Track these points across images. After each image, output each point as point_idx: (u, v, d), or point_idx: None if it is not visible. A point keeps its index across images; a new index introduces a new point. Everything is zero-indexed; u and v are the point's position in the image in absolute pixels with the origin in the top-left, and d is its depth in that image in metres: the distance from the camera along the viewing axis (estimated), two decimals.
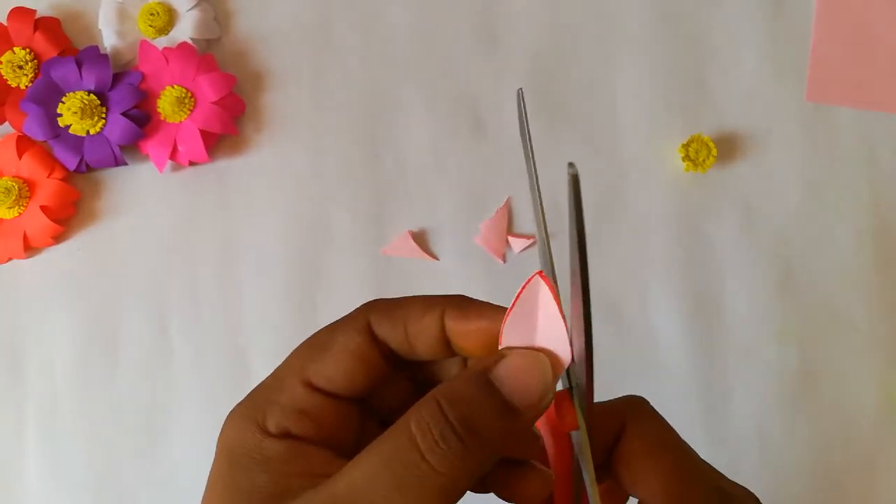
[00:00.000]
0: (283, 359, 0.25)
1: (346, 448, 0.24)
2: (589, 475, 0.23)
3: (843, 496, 0.44)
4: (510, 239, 0.47)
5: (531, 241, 0.47)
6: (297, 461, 0.23)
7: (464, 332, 0.24)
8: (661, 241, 0.47)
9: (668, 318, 0.46)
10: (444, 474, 0.20)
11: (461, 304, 0.24)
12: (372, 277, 0.47)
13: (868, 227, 0.47)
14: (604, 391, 0.46)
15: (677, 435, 0.26)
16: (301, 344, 0.25)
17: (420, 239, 0.47)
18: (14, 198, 0.47)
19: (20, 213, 0.48)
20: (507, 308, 0.23)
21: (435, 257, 0.47)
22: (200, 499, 0.24)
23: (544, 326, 0.22)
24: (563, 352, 0.22)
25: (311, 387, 0.24)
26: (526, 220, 0.47)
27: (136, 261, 0.49)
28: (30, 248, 0.49)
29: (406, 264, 0.47)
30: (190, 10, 0.49)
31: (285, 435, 0.23)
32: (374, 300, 0.25)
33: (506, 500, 0.25)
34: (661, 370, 0.46)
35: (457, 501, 0.21)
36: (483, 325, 0.24)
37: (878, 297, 0.46)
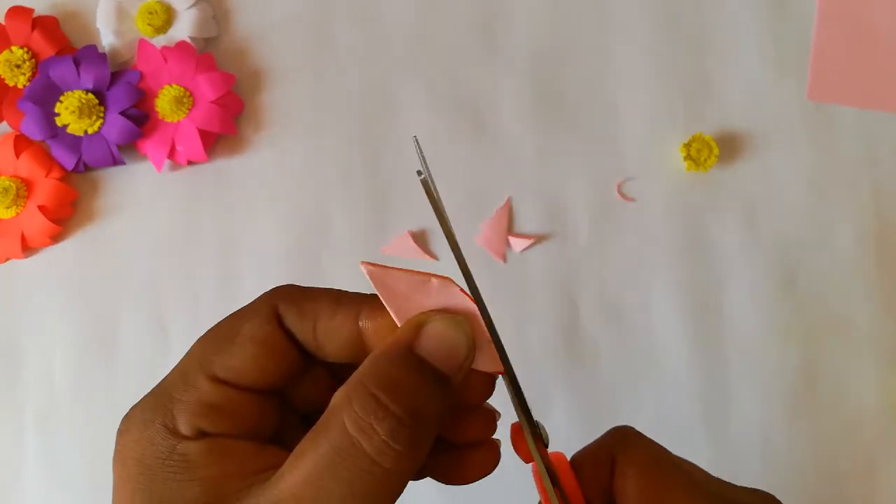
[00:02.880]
0: (186, 353, 0.23)
1: (269, 437, 0.22)
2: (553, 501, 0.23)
3: (844, 497, 0.44)
4: (510, 239, 0.47)
5: (532, 240, 0.46)
6: (223, 461, 0.21)
7: (382, 329, 0.22)
8: (663, 241, 0.46)
9: (669, 319, 0.46)
10: (397, 469, 0.19)
11: (377, 302, 0.22)
12: None
13: (869, 226, 0.46)
14: (606, 392, 0.46)
15: (670, 454, 0.25)
16: (203, 334, 0.23)
17: (420, 239, 0.47)
18: (12, 197, 0.47)
19: (18, 213, 0.48)
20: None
21: (435, 257, 0.47)
22: None
23: (417, 291, 0.22)
24: (456, 297, 0.22)
25: (219, 380, 0.22)
26: (526, 219, 0.47)
27: (135, 260, 0.48)
28: (28, 248, 0.49)
29: (406, 264, 0.47)
30: (188, 8, 0.49)
31: (200, 434, 0.21)
32: (283, 286, 0.23)
33: (449, 482, 0.24)
34: (663, 371, 0.45)
35: (404, 486, 0.20)
36: (392, 324, 0.22)
37: (879, 297, 0.46)
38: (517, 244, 0.46)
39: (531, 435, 0.23)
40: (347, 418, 0.19)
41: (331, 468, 0.19)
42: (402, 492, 0.20)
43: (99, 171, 0.49)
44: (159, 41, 0.49)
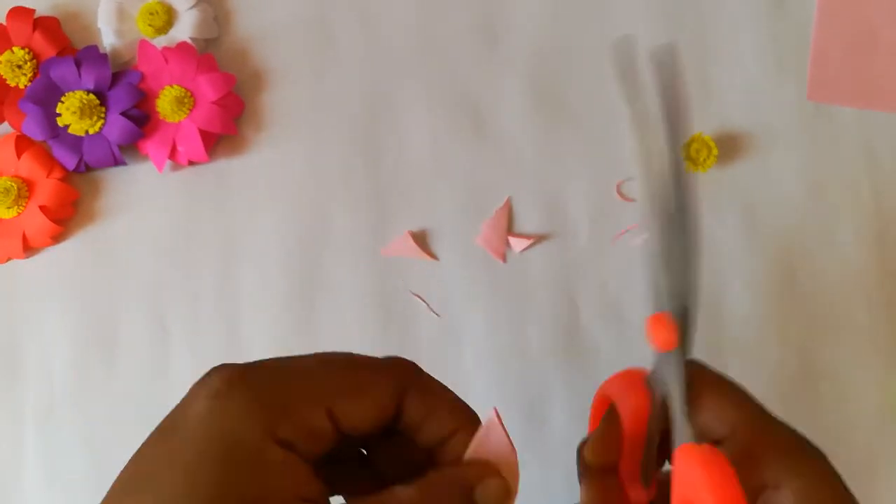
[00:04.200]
0: (311, 353, 0.26)
1: (319, 465, 0.25)
2: (679, 405, 0.25)
3: None
4: (510, 239, 0.47)
5: (531, 241, 0.46)
6: (286, 476, 0.23)
7: (463, 445, 0.26)
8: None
9: None
10: None
11: (475, 426, 0.26)
12: (372, 278, 0.47)
13: (869, 227, 0.46)
14: None
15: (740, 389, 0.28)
16: (336, 367, 0.25)
17: (420, 239, 0.47)
18: (13, 198, 0.47)
19: (19, 213, 0.48)
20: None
21: (435, 257, 0.47)
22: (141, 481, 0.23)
23: (497, 447, 0.26)
24: (511, 460, 0.26)
25: (332, 418, 0.24)
26: (526, 220, 0.47)
27: (136, 261, 0.48)
28: (29, 248, 0.49)
29: (406, 264, 0.47)
30: (189, 9, 0.49)
31: (287, 447, 0.23)
32: (415, 369, 0.26)
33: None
34: None
35: None
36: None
37: (879, 298, 0.46)
38: (517, 244, 0.47)
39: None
40: None
41: None
42: None
43: (100, 171, 0.49)
44: (160, 42, 0.49)
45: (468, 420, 0.27)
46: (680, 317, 0.25)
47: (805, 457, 0.26)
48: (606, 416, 0.28)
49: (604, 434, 0.28)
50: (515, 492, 0.26)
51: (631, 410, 0.27)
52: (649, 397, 0.27)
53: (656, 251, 0.27)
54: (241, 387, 0.23)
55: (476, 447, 0.26)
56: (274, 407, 0.23)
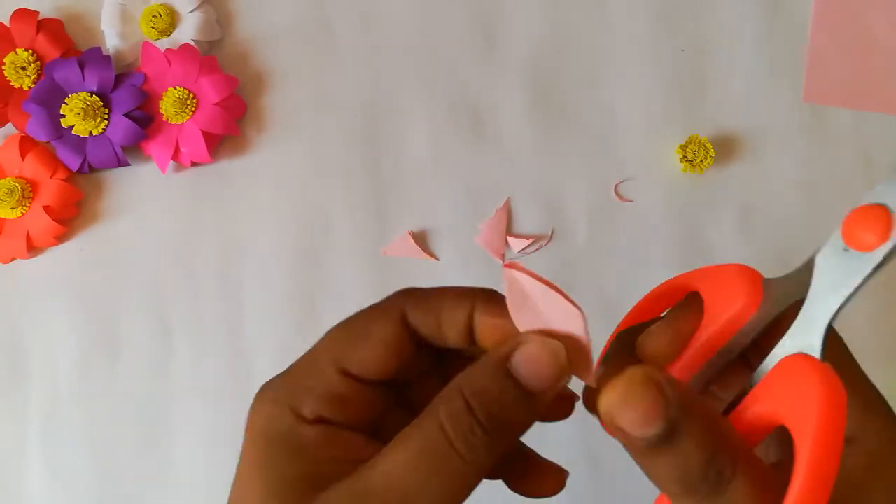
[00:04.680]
0: (317, 342, 0.26)
1: (373, 429, 0.25)
2: (827, 311, 0.22)
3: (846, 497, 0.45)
4: (510, 239, 0.47)
5: (531, 241, 0.47)
6: (331, 447, 0.24)
7: (490, 327, 0.24)
8: (659, 242, 0.47)
9: None
10: (474, 461, 0.22)
11: (490, 298, 0.25)
12: (372, 277, 0.47)
13: None
14: None
15: None
16: (335, 329, 0.26)
17: (420, 239, 0.48)
18: (17, 198, 0.47)
19: (23, 214, 0.48)
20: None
21: (435, 257, 0.48)
22: (231, 485, 0.24)
23: (544, 305, 0.23)
24: (574, 322, 0.23)
25: (346, 374, 0.24)
26: (525, 220, 0.47)
27: (139, 261, 0.49)
28: (33, 248, 0.49)
29: (406, 264, 0.47)
30: (192, 11, 0.49)
31: (319, 420, 0.24)
32: (409, 289, 0.26)
33: (516, 490, 0.27)
34: None
35: (480, 481, 0.23)
36: (508, 322, 0.24)
37: (877, 297, 0.46)
38: (517, 244, 0.47)
39: None
40: (442, 413, 0.22)
41: (420, 452, 0.22)
42: (475, 485, 0.22)
43: (103, 172, 0.50)
44: (163, 44, 0.49)
45: (479, 295, 0.25)
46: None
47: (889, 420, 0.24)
48: (685, 303, 0.25)
49: (678, 320, 0.25)
50: (585, 352, 0.22)
51: (726, 310, 0.23)
52: (759, 304, 0.23)
53: None
54: (266, 390, 0.25)
55: (517, 315, 0.23)
56: (293, 391, 0.24)
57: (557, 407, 0.26)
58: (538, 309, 0.23)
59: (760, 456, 0.23)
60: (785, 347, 0.23)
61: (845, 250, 0.24)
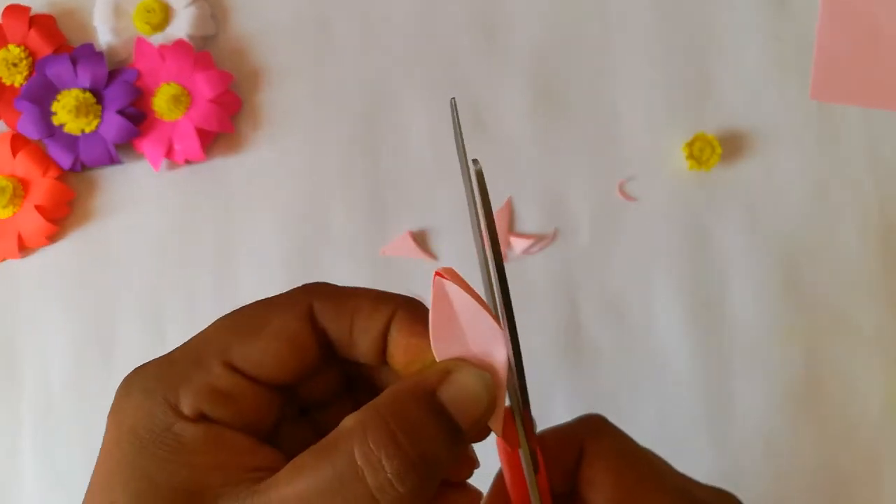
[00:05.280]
0: (204, 329, 0.23)
1: (265, 433, 0.22)
2: (532, 491, 0.22)
3: (847, 498, 0.44)
4: (511, 239, 0.46)
5: (533, 240, 0.46)
6: (214, 450, 0.20)
7: (406, 345, 0.22)
8: (665, 241, 0.46)
9: (671, 319, 0.45)
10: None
11: (413, 310, 0.22)
12: (371, 277, 0.47)
13: (873, 226, 0.46)
14: (607, 393, 0.45)
15: (640, 447, 0.25)
16: (225, 318, 0.22)
17: (420, 239, 0.47)
18: (8, 197, 0.47)
19: (14, 213, 0.48)
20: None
21: (435, 257, 0.47)
22: (85, 496, 0.21)
23: (470, 325, 0.21)
24: (498, 350, 0.21)
25: (233, 369, 0.21)
26: (527, 219, 0.47)
27: (132, 260, 0.48)
28: (24, 248, 0.48)
29: (406, 264, 0.47)
30: (186, 6, 0.49)
31: (200, 417, 0.21)
32: (319, 283, 0.23)
33: None
34: (664, 371, 0.45)
35: None
36: (427, 343, 0.21)
37: (883, 298, 0.45)
38: (518, 244, 0.46)
39: (521, 422, 0.22)
40: (357, 447, 0.19)
41: (327, 493, 0.19)
42: None
43: (96, 170, 0.49)
44: (157, 39, 0.49)
45: (400, 304, 0.22)
46: (517, 413, 0.22)
47: None
48: (493, 483, 0.26)
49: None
50: (502, 378, 0.21)
51: (510, 479, 0.24)
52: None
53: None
54: (136, 378, 0.22)
55: (439, 334, 0.21)
56: (169, 382, 0.21)
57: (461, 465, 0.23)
58: (462, 329, 0.21)
59: None
60: None
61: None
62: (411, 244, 0.47)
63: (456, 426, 0.20)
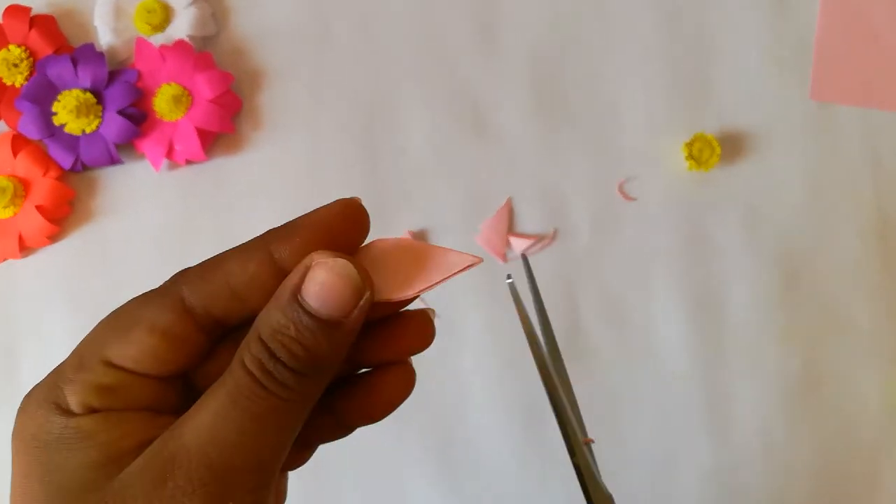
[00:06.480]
0: (85, 336, 0.23)
1: (170, 410, 0.22)
2: None
3: (845, 497, 0.44)
4: (511, 239, 0.46)
5: (532, 240, 0.46)
6: (121, 426, 0.21)
7: (300, 254, 0.21)
8: (664, 241, 0.46)
9: (670, 320, 0.45)
10: (291, 397, 0.20)
11: (284, 231, 0.22)
12: None
13: (872, 226, 0.46)
14: (606, 392, 0.45)
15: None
16: (106, 317, 0.23)
17: (420, 239, 0.47)
18: (9, 197, 0.47)
19: (15, 213, 0.48)
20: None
21: None
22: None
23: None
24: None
25: (114, 366, 0.21)
26: (527, 219, 0.47)
27: (133, 260, 0.48)
28: (25, 248, 0.48)
29: None
30: (187, 7, 0.49)
31: (91, 411, 0.21)
32: (184, 269, 0.23)
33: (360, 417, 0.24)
34: (663, 370, 0.45)
35: (308, 412, 0.21)
36: (307, 244, 0.22)
37: (881, 298, 0.45)
38: (518, 244, 0.46)
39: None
40: (246, 358, 0.20)
41: (232, 400, 0.20)
42: (300, 422, 0.21)
43: (97, 170, 0.49)
44: (157, 40, 0.49)
45: (270, 237, 0.22)
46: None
47: None
48: None
49: None
50: (364, 289, 0.21)
51: None
52: None
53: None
54: (29, 395, 0.22)
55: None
56: (54, 389, 0.22)
57: (415, 333, 0.24)
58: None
59: None
60: None
61: None
62: None
63: (323, 318, 0.20)
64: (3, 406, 0.47)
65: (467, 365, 0.46)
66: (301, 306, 0.20)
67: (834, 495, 0.44)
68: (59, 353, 0.49)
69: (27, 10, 0.49)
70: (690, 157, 0.45)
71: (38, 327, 0.48)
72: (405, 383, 0.24)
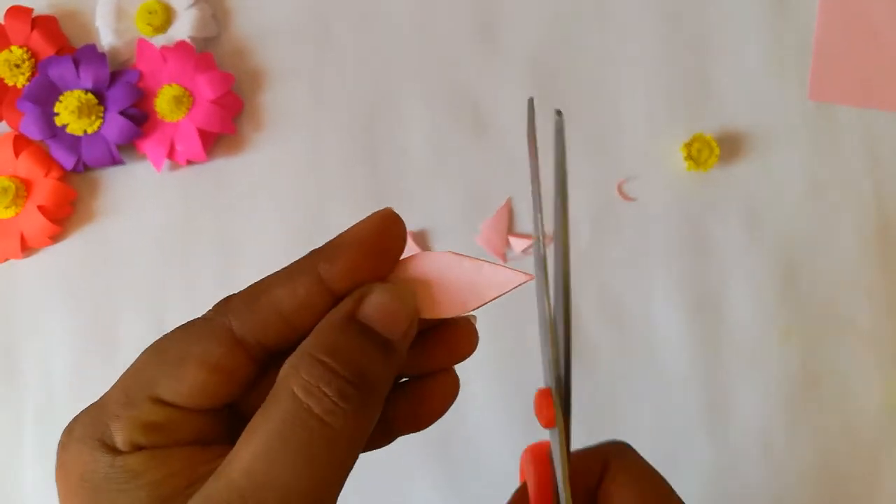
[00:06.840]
0: (129, 367, 0.22)
1: (216, 440, 0.22)
2: (562, 473, 0.23)
3: (845, 497, 0.44)
4: (511, 239, 0.46)
5: (532, 240, 0.46)
6: (168, 463, 0.20)
7: (346, 272, 0.22)
8: (663, 241, 0.46)
9: (669, 319, 0.46)
10: (347, 428, 0.19)
11: (329, 252, 0.22)
12: None
13: (871, 226, 0.46)
14: (606, 393, 0.46)
15: (662, 476, 0.26)
16: (147, 351, 0.22)
17: (420, 239, 0.47)
18: (11, 197, 0.47)
19: (17, 213, 0.48)
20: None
21: None
22: None
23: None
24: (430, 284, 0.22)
25: (163, 402, 0.21)
26: (527, 219, 0.47)
27: (134, 261, 0.48)
28: (27, 249, 0.48)
29: None
30: (188, 8, 0.49)
31: (138, 449, 0.21)
32: (227, 298, 0.22)
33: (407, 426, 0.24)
34: (663, 371, 0.45)
35: (362, 445, 0.20)
36: (354, 262, 0.22)
37: (880, 297, 0.45)
38: (518, 244, 0.46)
39: (560, 400, 0.23)
40: (296, 385, 0.19)
41: (282, 436, 0.19)
42: (355, 457, 0.20)
43: (98, 170, 0.49)
44: (159, 41, 0.49)
45: (318, 258, 0.22)
46: (561, 392, 0.24)
47: None
48: (515, 493, 0.27)
49: None
50: (417, 313, 0.22)
51: (535, 486, 0.25)
52: (551, 473, 0.25)
53: (540, 321, 0.26)
54: (72, 428, 0.22)
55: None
56: (99, 424, 0.21)
57: (459, 341, 0.24)
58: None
59: None
60: None
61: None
62: (411, 244, 0.47)
63: (381, 338, 0.21)
64: (3, 406, 0.48)
65: (467, 364, 0.46)
66: (365, 326, 0.20)
67: (834, 495, 0.44)
68: (60, 353, 0.49)
69: (29, 10, 0.49)
70: (689, 157, 0.46)
71: (39, 327, 0.48)
72: (451, 390, 0.24)
